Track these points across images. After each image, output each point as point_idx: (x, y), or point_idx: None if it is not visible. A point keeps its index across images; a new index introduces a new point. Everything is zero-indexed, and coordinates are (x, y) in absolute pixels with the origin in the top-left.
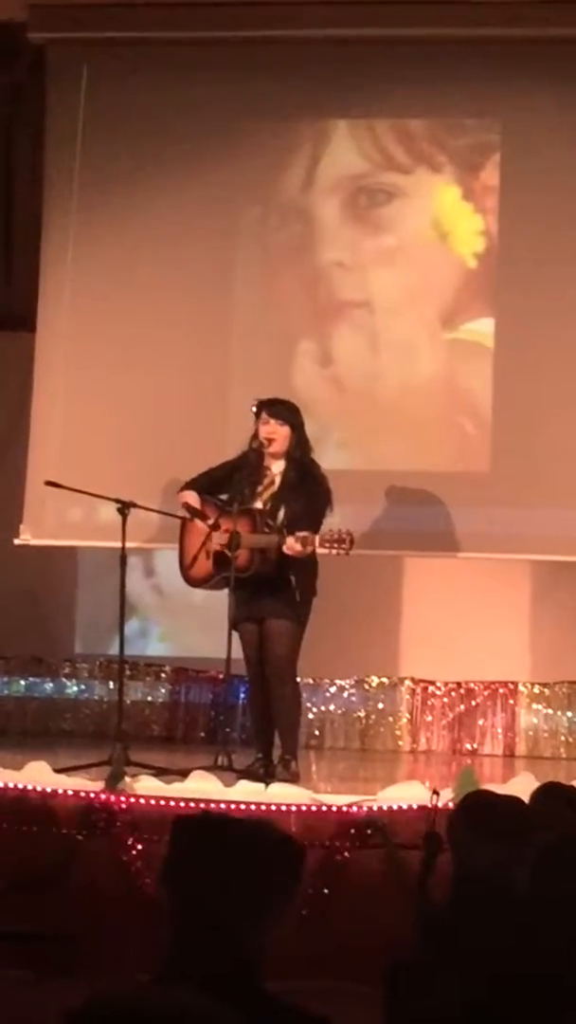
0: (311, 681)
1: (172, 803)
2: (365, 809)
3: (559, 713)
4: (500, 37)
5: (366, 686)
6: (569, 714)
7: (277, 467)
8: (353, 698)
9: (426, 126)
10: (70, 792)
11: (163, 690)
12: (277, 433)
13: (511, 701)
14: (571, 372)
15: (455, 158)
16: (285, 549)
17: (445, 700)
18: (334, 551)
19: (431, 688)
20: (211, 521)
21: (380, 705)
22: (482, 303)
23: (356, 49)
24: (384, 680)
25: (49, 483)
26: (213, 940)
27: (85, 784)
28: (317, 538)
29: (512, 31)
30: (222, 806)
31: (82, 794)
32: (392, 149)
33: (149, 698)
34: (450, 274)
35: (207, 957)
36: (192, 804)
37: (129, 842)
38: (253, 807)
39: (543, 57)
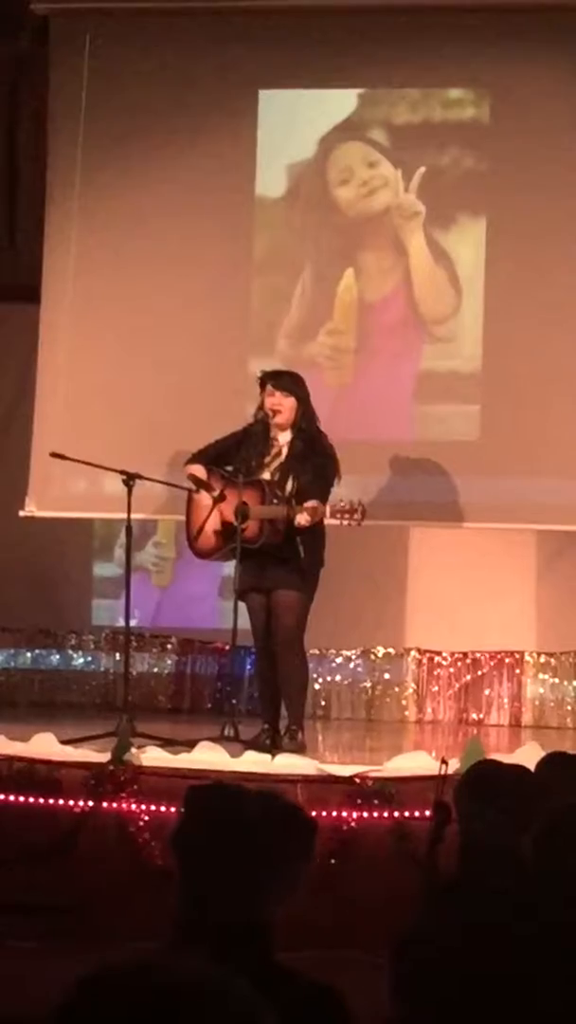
0: (317, 652)
1: (179, 774)
2: (372, 779)
3: (565, 683)
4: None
5: (372, 656)
6: (575, 683)
7: (284, 438)
8: (359, 669)
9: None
10: (77, 763)
11: (169, 661)
12: (282, 405)
13: (517, 671)
14: (571, 339)
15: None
16: (296, 519)
17: (451, 670)
18: (345, 522)
19: (437, 658)
20: (216, 493)
21: (386, 675)
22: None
23: (358, 18)
24: (390, 651)
25: (54, 455)
26: (222, 908)
27: (92, 755)
28: (328, 508)
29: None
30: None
31: (89, 765)
32: (393, 115)
33: (155, 669)
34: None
35: (216, 925)
36: (199, 775)
37: (136, 813)
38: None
39: (533, 24)
